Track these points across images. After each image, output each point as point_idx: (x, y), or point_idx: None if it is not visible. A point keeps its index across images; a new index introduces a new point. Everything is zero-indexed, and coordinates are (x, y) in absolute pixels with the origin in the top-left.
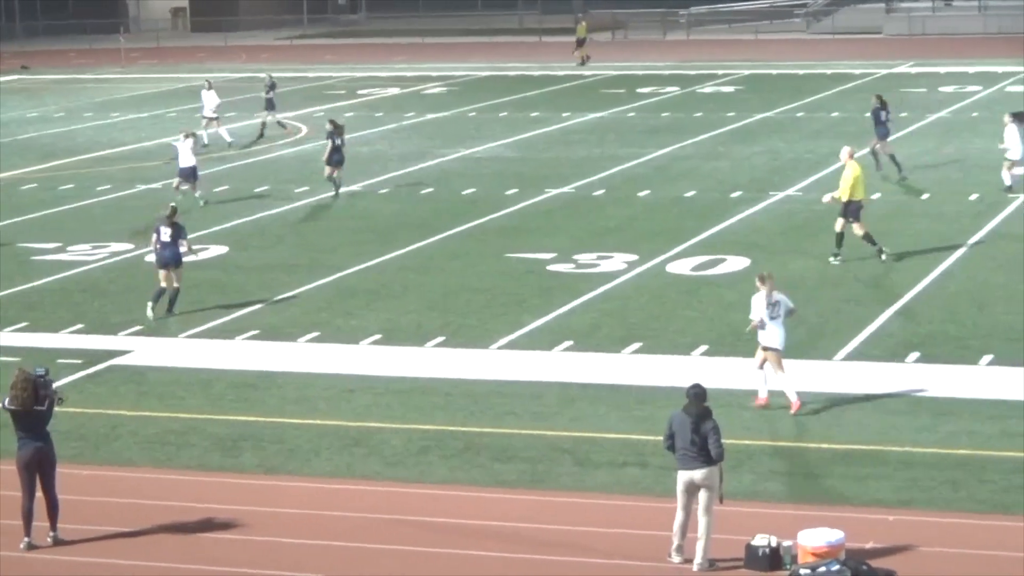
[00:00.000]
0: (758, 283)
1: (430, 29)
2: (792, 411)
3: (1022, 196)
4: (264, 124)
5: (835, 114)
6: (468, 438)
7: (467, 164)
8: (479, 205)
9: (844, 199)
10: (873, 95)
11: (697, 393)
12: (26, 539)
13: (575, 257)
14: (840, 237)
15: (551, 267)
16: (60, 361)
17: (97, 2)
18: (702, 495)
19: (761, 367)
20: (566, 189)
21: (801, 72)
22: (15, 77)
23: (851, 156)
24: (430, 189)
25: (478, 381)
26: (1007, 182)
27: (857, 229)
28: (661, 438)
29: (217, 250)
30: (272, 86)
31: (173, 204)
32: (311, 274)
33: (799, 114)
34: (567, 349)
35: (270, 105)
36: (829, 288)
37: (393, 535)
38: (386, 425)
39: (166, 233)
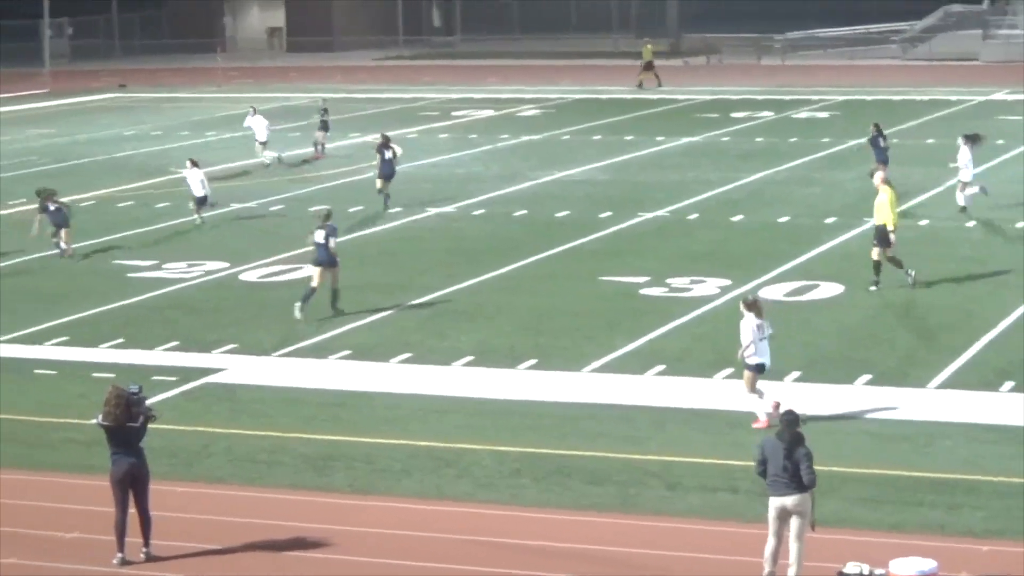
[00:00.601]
0: (744, 308)
1: (525, 51)
2: (754, 425)
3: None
4: (322, 145)
5: (930, 141)
6: (559, 460)
7: (561, 186)
8: (572, 228)
9: (880, 222)
10: (871, 123)
11: (790, 419)
12: (119, 555)
13: (668, 281)
14: (878, 264)
15: (644, 291)
16: (154, 378)
17: (194, 22)
18: (794, 522)
19: (752, 390)
20: (660, 213)
21: (896, 98)
22: (113, 95)
23: (884, 181)
24: (523, 211)
25: (569, 404)
26: (960, 203)
27: (877, 254)
28: (752, 463)
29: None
30: (325, 110)
31: (327, 207)
32: (404, 294)
33: (894, 140)
34: (659, 373)
35: (324, 126)
36: (922, 315)
37: (483, 557)
38: (477, 446)
39: (320, 235)
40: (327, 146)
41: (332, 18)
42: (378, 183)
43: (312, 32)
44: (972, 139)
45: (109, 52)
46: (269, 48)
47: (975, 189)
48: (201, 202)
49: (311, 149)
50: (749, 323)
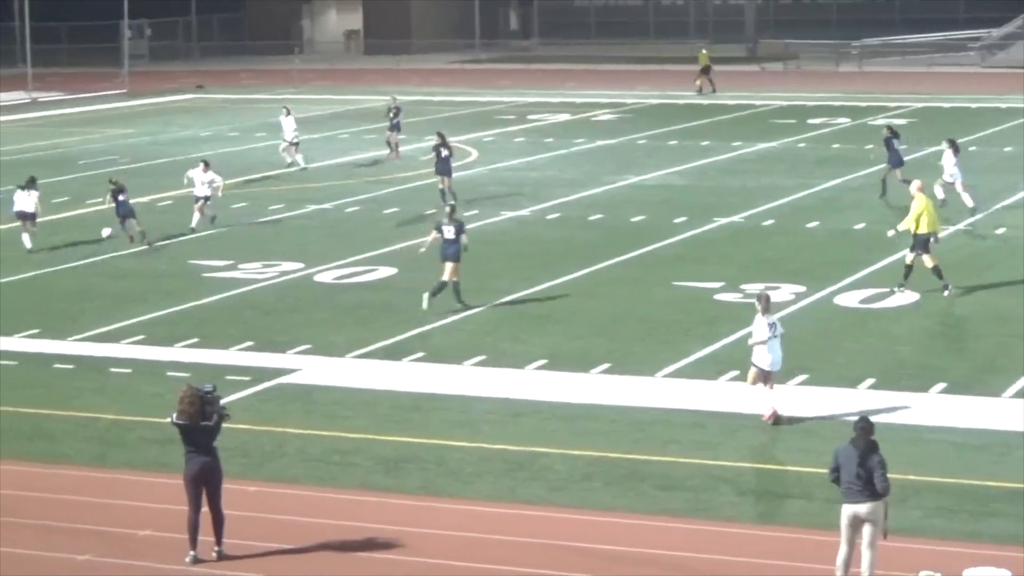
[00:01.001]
0: (758, 305)
1: (601, 56)
2: (765, 418)
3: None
4: (397, 143)
5: (1008, 148)
6: (631, 465)
7: (636, 191)
8: (647, 232)
9: (913, 231)
10: (885, 126)
11: (864, 427)
12: (192, 553)
13: (742, 287)
14: (909, 269)
15: (718, 296)
16: (228, 378)
17: (273, 24)
18: (866, 529)
19: (753, 384)
20: (735, 218)
21: (974, 106)
22: (191, 96)
23: (919, 189)
24: (599, 215)
25: (642, 408)
26: (968, 204)
27: (928, 261)
28: (825, 470)
29: (386, 271)
30: (396, 109)
31: (452, 203)
32: (478, 297)
33: (971, 148)
34: (732, 379)
35: (396, 127)
36: (998, 323)
37: (554, 560)
38: (549, 450)
39: (449, 231)
40: (400, 148)
41: (410, 21)
42: (440, 182)
43: (389, 35)
44: (955, 144)
45: (187, 53)
46: (346, 50)
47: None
48: (205, 199)
49: (386, 152)
50: (762, 321)
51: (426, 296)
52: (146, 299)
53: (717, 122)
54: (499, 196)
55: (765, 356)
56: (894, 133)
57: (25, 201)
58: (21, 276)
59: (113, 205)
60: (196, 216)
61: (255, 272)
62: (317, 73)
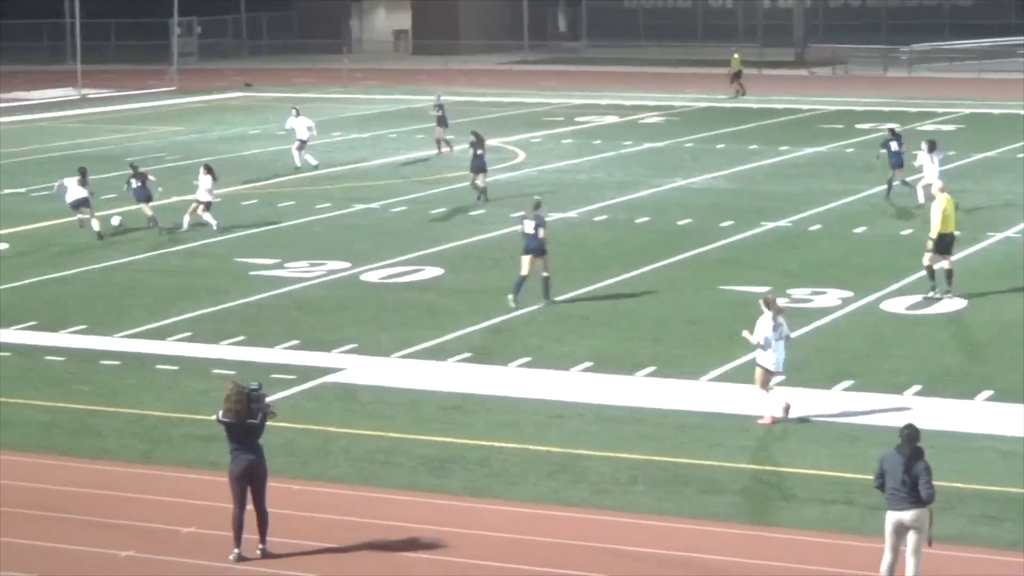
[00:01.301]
0: (763, 306)
1: (650, 59)
2: (759, 422)
3: None
4: (447, 140)
5: None
6: (675, 469)
7: (683, 194)
8: (694, 236)
9: (947, 230)
10: (887, 128)
11: (910, 433)
12: (236, 550)
13: (789, 292)
14: (948, 273)
15: None
16: (274, 376)
17: (322, 23)
18: (911, 537)
19: (762, 386)
20: (782, 223)
21: (1023, 112)
22: (239, 94)
23: (941, 190)
24: (645, 218)
25: (687, 412)
26: (920, 200)
27: (945, 263)
28: (870, 476)
29: (433, 272)
30: (440, 105)
31: (537, 197)
32: (523, 298)
33: (1020, 155)
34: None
35: (442, 122)
36: None
37: (597, 563)
38: (594, 452)
39: (530, 224)
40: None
41: (458, 21)
42: (472, 177)
43: (438, 35)
44: (933, 146)
45: (236, 51)
46: (395, 50)
47: (919, 187)
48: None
49: (435, 152)
50: (765, 322)
51: (510, 296)
52: (193, 296)
53: (765, 126)
54: (546, 198)
55: (770, 357)
56: (895, 135)
57: (78, 190)
58: (68, 272)
59: (129, 188)
60: (186, 219)
61: (301, 271)
62: (365, 72)
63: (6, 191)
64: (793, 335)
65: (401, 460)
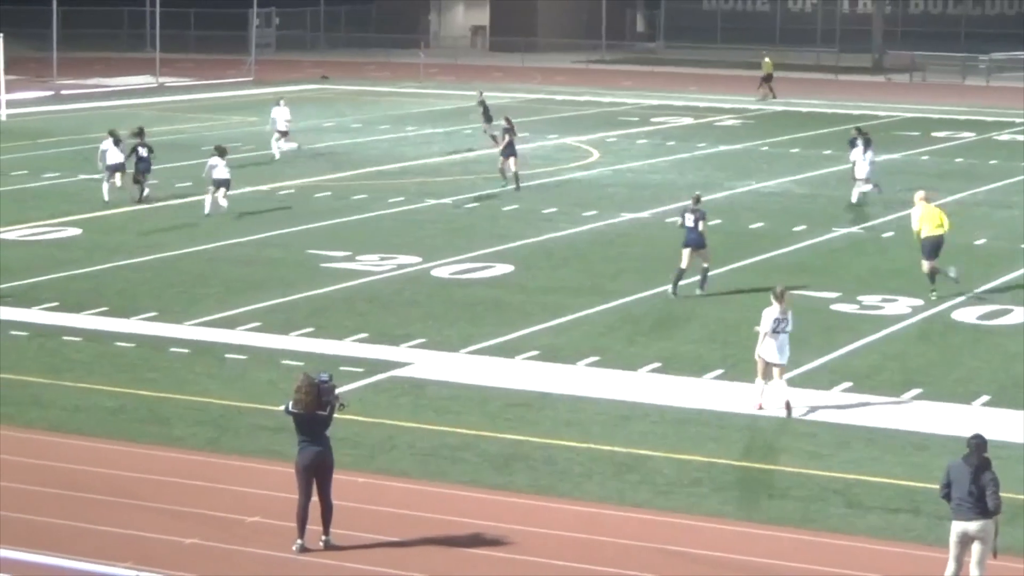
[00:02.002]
0: (774, 299)
1: (727, 61)
2: (758, 410)
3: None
4: (495, 136)
5: None
6: (740, 472)
7: (756, 198)
8: (765, 240)
9: (924, 235)
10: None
11: (978, 443)
12: (299, 541)
13: (859, 298)
14: (932, 275)
15: (834, 306)
16: (342, 368)
17: (400, 18)
18: (975, 547)
19: (762, 376)
20: (854, 229)
21: None
22: (315, 86)
23: (923, 199)
24: (718, 221)
25: (754, 416)
26: (852, 199)
27: (925, 265)
28: (936, 486)
29: (503, 268)
30: (483, 101)
31: (698, 192)
32: (594, 298)
33: None
34: (846, 390)
35: (487, 117)
36: None
37: (659, 564)
38: (659, 454)
39: (690, 218)
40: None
41: (536, 19)
42: (500, 161)
43: (515, 32)
44: (865, 138)
45: (314, 44)
46: (472, 47)
47: (868, 187)
48: (225, 184)
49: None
50: (771, 313)
51: (669, 288)
52: (263, 286)
53: (840, 131)
54: (619, 197)
55: (769, 348)
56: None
57: (116, 154)
58: (140, 259)
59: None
60: (208, 201)
61: (372, 264)
62: (441, 68)
63: (82, 176)
64: (860, 342)
65: (467, 456)
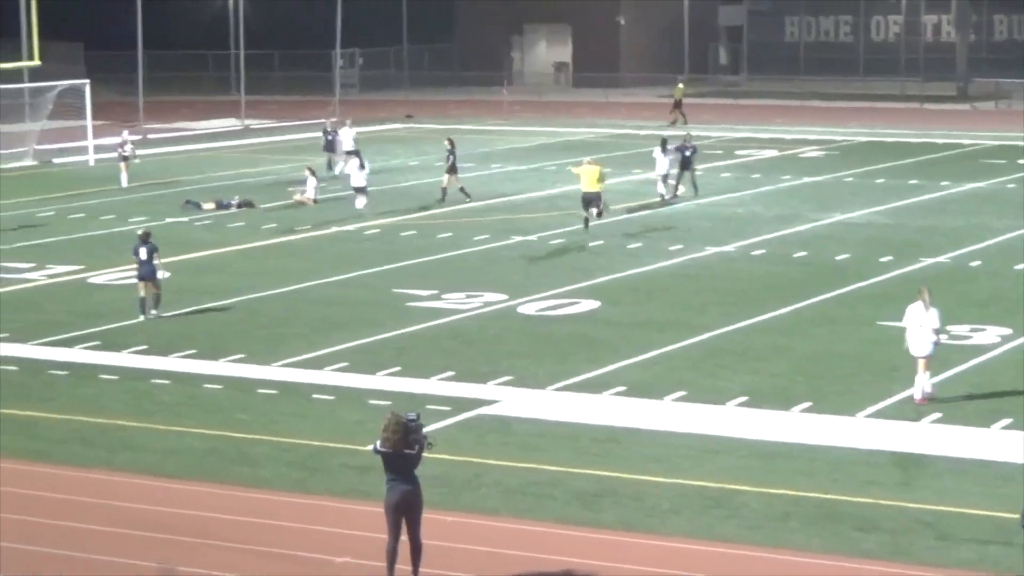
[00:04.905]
0: (919, 295)
1: (810, 92)
2: (916, 401)
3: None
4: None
5: None
6: (829, 505)
7: (841, 229)
8: (852, 271)
9: None
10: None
11: None
12: None
13: (947, 328)
14: None
15: None
16: (429, 407)
17: (483, 55)
18: None
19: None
20: (941, 259)
21: None
22: (400, 125)
23: None
24: (803, 252)
25: (842, 448)
26: (659, 190)
27: None
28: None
29: (589, 304)
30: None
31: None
32: (680, 332)
33: None
34: (935, 421)
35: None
36: None
37: None
38: (747, 488)
39: None
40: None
41: (619, 54)
42: (448, 180)
43: (598, 68)
44: (664, 146)
45: (398, 83)
46: (555, 82)
47: (662, 188)
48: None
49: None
50: (917, 308)
51: None
52: (349, 326)
53: (925, 161)
54: (704, 231)
55: (915, 341)
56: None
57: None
58: (227, 301)
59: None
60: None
61: (458, 302)
62: (524, 105)
63: (168, 220)
64: (949, 372)
65: (554, 493)
